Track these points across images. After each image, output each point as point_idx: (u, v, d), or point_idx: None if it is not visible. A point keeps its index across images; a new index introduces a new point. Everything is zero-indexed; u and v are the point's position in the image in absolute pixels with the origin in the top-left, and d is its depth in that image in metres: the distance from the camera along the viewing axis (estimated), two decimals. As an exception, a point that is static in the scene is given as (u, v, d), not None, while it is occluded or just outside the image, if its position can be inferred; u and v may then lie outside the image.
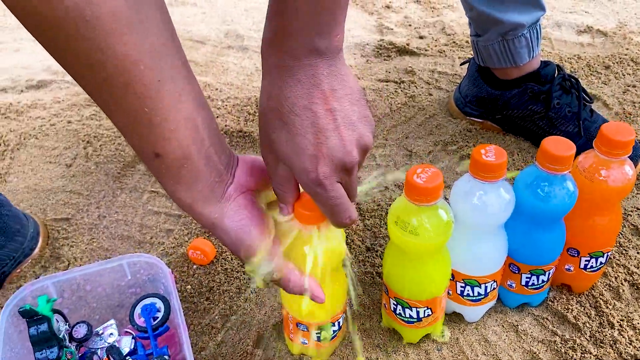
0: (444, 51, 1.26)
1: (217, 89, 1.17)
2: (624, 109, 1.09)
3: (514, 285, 0.74)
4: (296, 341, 0.70)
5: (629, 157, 0.67)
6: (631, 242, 0.85)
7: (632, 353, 0.71)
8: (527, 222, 0.68)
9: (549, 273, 0.73)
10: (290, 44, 0.46)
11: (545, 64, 0.98)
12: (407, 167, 0.98)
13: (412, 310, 0.68)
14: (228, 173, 0.51)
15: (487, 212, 0.64)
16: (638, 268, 0.81)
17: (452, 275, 0.71)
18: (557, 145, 0.63)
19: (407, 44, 1.27)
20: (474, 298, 0.72)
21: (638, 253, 0.83)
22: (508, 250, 0.70)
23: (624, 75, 1.16)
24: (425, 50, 1.26)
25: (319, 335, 0.67)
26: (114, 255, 0.86)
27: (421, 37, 1.32)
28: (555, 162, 0.62)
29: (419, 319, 0.69)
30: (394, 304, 0.69)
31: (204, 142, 0.48)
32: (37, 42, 0.40)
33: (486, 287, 0.71)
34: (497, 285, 0.73)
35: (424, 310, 0.68)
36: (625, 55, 1.20)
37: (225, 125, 1.06)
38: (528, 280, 0.73)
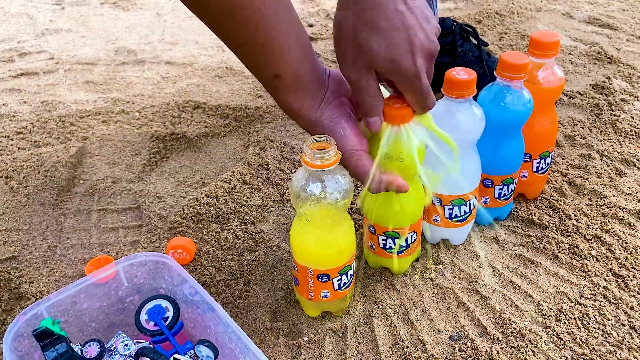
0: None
1: (128, 102, 1.11)
2: (505, 52, 1.24)
3: (488, 200, 0.82)
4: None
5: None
6: (555, 151, 0.98)
7: (593, 234, 0.82)
8: (494, 135, 0.76)
9: (515, 182, 0.81)
10: None
11: (442, 19, 1.09)
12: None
13: (401, 239, 0.72)
14: (325, 81, 0.62)
15: (465, 129, 0.70)
16: (568, 170, 0.94)
17: (440, 200, 0.76)
18: (514, 56, 0.71)
19: (302, 32, 1.32)
20: (461, 217, 0.78)
21: (563, 159, 0.96)
22: (486, 167, 0.77)
23: (495, 26, 1.32)
24: (321, 35, 1.32)
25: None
26: (83, 279, 0.78)
27: (311, 25, 1.38)
28: (516, 70, 0.70)
29: (408, 246, 0.74)
30: (382, 239, 0.73)
31: (308, 58, 0.59)
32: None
33: (470, 204, 0.77)
34: (477, 201, 0.79)
35: (411, 236, 0.73)
36: (490, 9, 1.37)
37: (155, 131, 1.02)
38: (500, 191, 0.80)
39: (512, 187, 0.81)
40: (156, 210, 0.87)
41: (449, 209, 0.77)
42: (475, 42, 1.08)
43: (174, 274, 0.67)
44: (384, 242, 0.74)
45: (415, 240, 0.75)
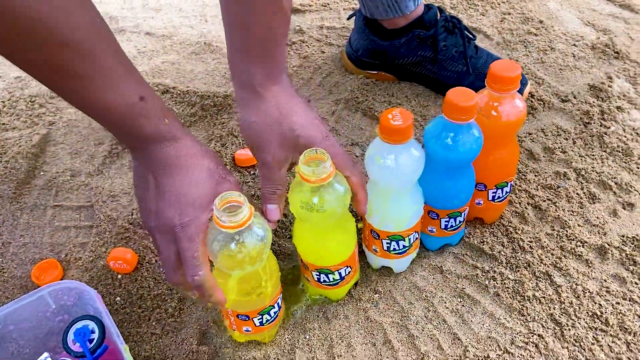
0: (328, 4, 1.25)
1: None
2: (504, 38, 1.15)
3: (434, 230, 0.79)
4: (239, 330, 0.71)
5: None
6: (528, 166, 0.92)
7: (544, 270, 0.78)
8: (440, 171, 0.72)
9: (464, 213, 0.78)
10: None
11: (428, 8, 1.00)
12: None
13: (334, 274, 0.71)
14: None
15: (401, 172, 0.66)
16: (537, 190, 0.89)
17: (377, 234, 0.73)
18: (461, 96, 0.65)
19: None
20: (400, 251, 0.75)
21: (535, 175, 0.91)
22: (426, 199, 0.74)
23: (499, 4, 1.21)
24: (310, 6, 1.25)
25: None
26: (29, 282, 0.81)
27: (302, -7, 1.30)
28: (461, 112, 0.65)
29: (342, 278, 0.73)
30: (316, 274, 0.72)
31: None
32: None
33: (410, 239, 0.74)
34: (419, 234, 0.77)
35: (345, 270, 0.72)
36: (497, -17, 1.25)
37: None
38: (447, 223, 0.77)
39: (460, 219, 0.78)
40: (107, 211, 0.88)
41: (387, 243, 0.74)
42: (460, 33, 1.00)
43: (95, 303, 0.68)
44: (318, 276, 0.73)
45: (349, 272, 0.74)
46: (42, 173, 0.94)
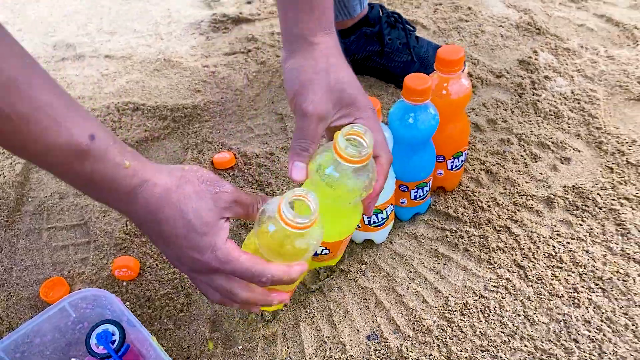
0: (275, 12, 1.34)
1: (70, 106, 1.14)
2: (439, 26, 1.27)
3: (405, 201, 0.89)
4: None
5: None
6: (476, 137, 1.04)
7: (503, 224, 0.90)
8: (406, 148, 0.82)
9: (429, 183, 0.88)
10: None
11: (370, 7, 1.11)
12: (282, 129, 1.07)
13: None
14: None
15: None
16: (487, 156, 1.00)
17: (358, 212, 0.83)
18: (417, 80, 0.76)
19: (240, 13, 1.33)
20: (379, 223, 0.85)
21: (483, 144, 1.03)
22: (396, 174, 0.84)
23: (430, -4, 1.34)
24: (259, 15, 1.33)
25: None
26: (39, 301, 0.85)
27: (249, 2, 1.37)
28: (419, 94, 0.75)
29: (316, 254, 0.76)
30: None
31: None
32: None
33: (387, 212, 0.84)
34: (393, 207, 0.86)
35: (321, 250, 0.75)
36: (426, -22, 1.37)
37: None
38: (416, 194, 0.88)
39: (426, 189, 0.88)
40: (102, 225, 0.94)
41: (367, 218, 0.84)
42: (402, 26, 1.11)
43: (114, 305, 0.74)
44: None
45: (327, 253, 0.79)
46: (30, 199, 0.98)
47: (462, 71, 1.10)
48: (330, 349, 0.77)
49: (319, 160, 0.60)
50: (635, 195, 0.91)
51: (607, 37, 1.22)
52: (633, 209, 0.89)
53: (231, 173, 1.01)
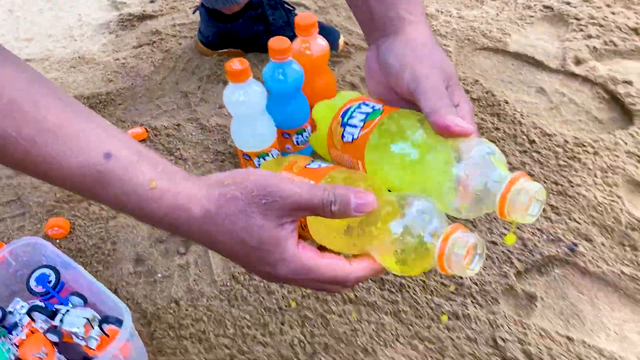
0: (175, 7, 1.50)
1: None
2: (319, 6, 1.46)
3: (290, 147, 1.07)
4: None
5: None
6: (341, 86, 1.24)
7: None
8: (283, 100, 1.00)
9: (308, 129, 1.07)
10: None
11: (253, -7, 1.29)
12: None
13: None
14: None
15: (250, 103, 0.94)
16: (361, 107, 1.20)
17: (249, 155, 1.01)
18: (277, 42, 0.94)
19: (144, 11, 1.49)
20: (268, 165, 1.03)
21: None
22: (277, 123, 1.02)
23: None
24: (161, 11, 1.49)
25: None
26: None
27: (152, 2, 1.53)
28: (280, 53, 0.94)
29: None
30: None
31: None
32: None
33: (272, 155, 1.02)
34: (279, 151, 1.05)
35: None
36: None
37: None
38: (297, 139, 1.06)
39: (305, 134, 1.07)
40: (34, 198, 1.08)
41: (257, 162, 1.02)
42: (282, 6, 1.30)
43: (49, 250, 0.89)
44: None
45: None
46: (-34, 185, 1.12)
47: (337, 42, 1.30)
48: (234, 266, 0.95)
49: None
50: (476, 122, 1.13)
51: (459, 1, 1.44)
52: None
53: (144, 145, 1.17)
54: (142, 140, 1.17)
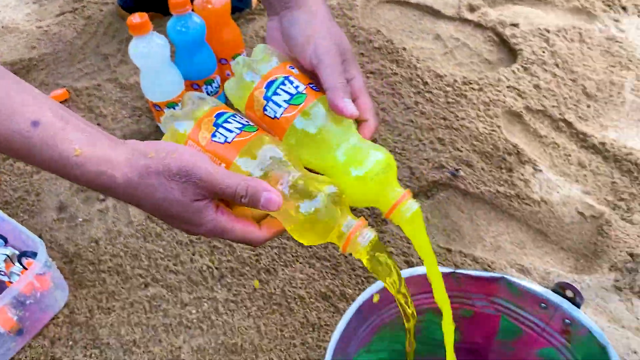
0: (97, -25, 1.55)
1: None
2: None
3: (200, 98, 1.15)
4: None
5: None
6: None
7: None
8: (188, 51, 1.07)
9: (217, 80, 1.15)
10: None
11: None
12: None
13: None
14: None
15: (154, 54, 1.01)
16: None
17: (159, 106, 1.08)
18: (177, -4, 1.01)
19: (66, -20, 1.53)
20: (180, 115, 1.11)
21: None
22: (186, 74, 1.09)
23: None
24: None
25: None
26: None
27: None
28: (178, 6, 1.01)
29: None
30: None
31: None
32: None
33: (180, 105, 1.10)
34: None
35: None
36: None
37: None
38: (207, 89, 1.14)
39: (215, 84, 1.14)
40: (-40, 159, 1.14)
41: (167, 111, 1.09)
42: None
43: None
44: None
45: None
46: None
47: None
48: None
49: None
50: (373, 71, 1.22)
51: (369, -40, 1.52)
52: (368, 79, 1.20)
53: (66, 105, 1.23)
54: (64, 101, 1.23)
